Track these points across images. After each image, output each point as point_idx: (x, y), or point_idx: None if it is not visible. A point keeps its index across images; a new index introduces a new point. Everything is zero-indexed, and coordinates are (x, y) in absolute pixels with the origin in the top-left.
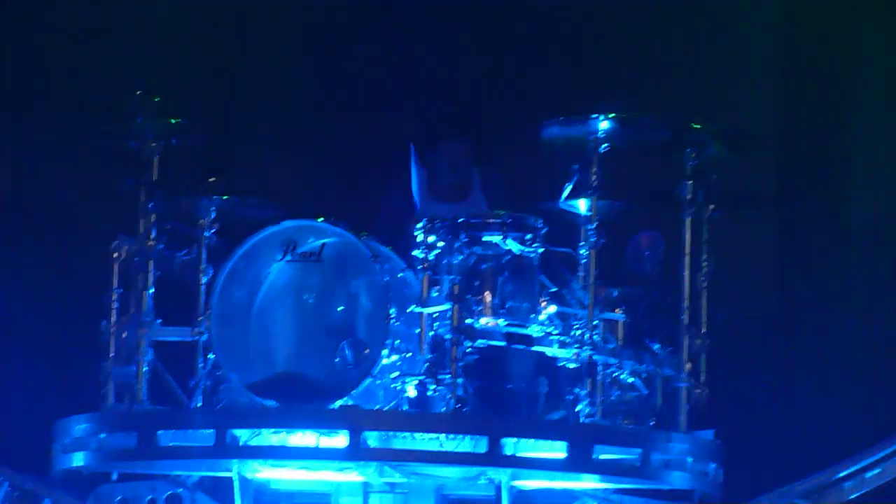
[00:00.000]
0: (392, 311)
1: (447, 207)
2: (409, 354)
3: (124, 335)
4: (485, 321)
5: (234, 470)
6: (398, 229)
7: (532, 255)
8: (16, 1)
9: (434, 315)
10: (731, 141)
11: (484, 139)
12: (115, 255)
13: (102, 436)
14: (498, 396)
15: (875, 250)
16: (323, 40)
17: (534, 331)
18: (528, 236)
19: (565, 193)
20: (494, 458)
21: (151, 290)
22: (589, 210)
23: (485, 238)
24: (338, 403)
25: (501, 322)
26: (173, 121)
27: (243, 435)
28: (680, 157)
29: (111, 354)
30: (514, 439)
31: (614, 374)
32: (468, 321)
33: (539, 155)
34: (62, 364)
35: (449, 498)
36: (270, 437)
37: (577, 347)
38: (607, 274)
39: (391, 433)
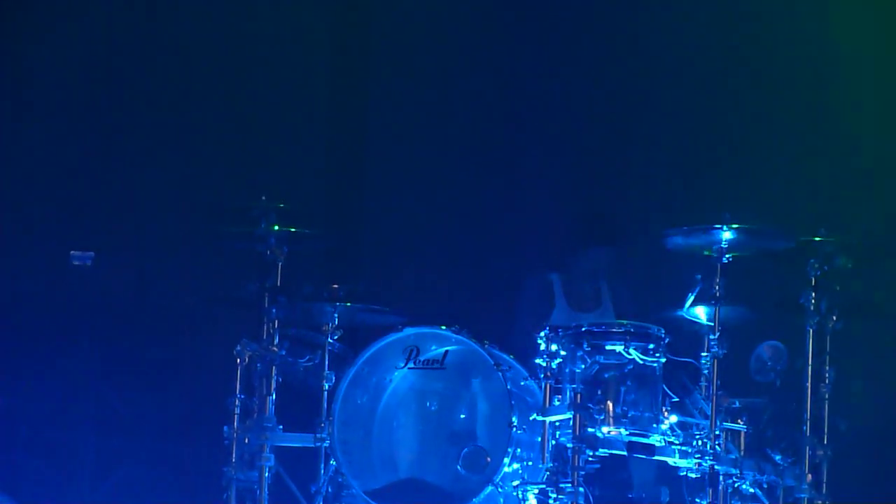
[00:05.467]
0: (514, 419)
1: (579, 317)
2: (531, 463)
3: (246, 440)
4: (607, 430)
5: None
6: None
7: (654, 364)
8: (139, 110)
9: (556, 423)
10: (856, 252)
11: (620, 249)
12: (238, 360)
13: None
14: None
15: None
16: (446, 148)
17: (655, 440)
18: (651, 346)
19: (688, 303)
20: None
21: (273, 396)
22: (711, 319)
23: (607, 347)
24: None
25: (623, 431)
26: (296, 228)
27: None
28: (803, 266)
29: (233, 459)
30: None
31: (736, 485)
32: (590, 430)
33: (662, 264)
34: (184, 468)
35: None
36: None
37: (698, 457)
38: (729, 384)
39: None
